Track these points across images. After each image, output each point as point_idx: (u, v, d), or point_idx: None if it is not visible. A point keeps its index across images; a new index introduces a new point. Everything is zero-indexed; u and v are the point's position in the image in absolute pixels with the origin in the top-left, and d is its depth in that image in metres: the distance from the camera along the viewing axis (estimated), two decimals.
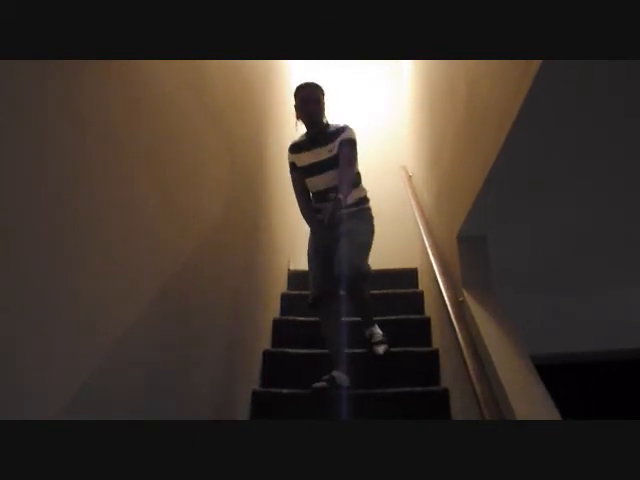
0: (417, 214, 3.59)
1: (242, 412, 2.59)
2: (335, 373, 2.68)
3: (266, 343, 3.17)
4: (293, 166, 2.98)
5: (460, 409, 2.43)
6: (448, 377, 2.72)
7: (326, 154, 2.85)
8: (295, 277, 3.96)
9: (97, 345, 1.22)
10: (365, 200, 2.97)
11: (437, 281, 2.57)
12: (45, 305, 1.03)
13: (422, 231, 3.25)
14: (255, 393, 2.74)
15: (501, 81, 1.60)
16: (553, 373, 2.60)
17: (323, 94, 2.92)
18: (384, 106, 5.67)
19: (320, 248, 2.85)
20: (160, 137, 1.62)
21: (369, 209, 2.98)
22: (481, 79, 1.89)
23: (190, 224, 1.89)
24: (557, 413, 1.62)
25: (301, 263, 4.08)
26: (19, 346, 0.95)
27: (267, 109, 3.52)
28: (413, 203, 3.84)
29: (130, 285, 1.40)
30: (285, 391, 2.73)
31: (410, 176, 4.49)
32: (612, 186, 1.96)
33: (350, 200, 2.82)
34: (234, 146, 2.59)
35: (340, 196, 2.63)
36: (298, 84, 2.94)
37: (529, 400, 1.71)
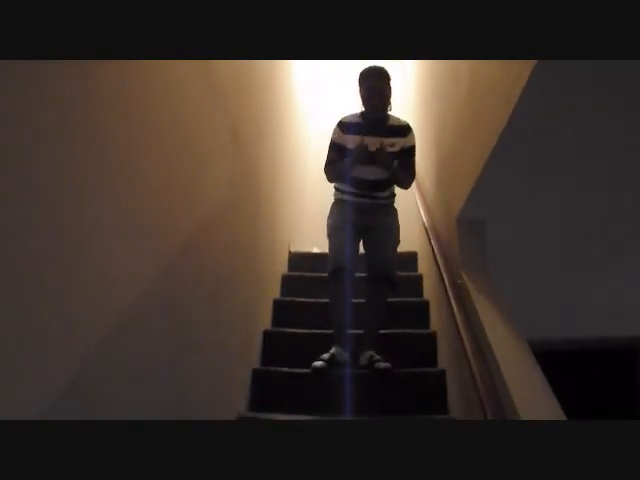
0: (418, 198, 3.62)
1: (242, 391, 2.64)
2: (335, 350, 2.65)
3: (266, 323, 3.21)
4: (338, 147, 2.84)
5: (457, 390, 2.48)
6: (445, 359, 2.77)
7: (389, 147, 2.75)
8: (295, 259, 3.98)
9: (95, 328, 1.23)
10: (395, 196, 2.99)
11: (436, 264, 2.61)
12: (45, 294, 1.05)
13: (422, 215, 3.28)
14: (255, 371, 2.79)
15: (503, 67, 1.62)
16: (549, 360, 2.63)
17: (389, 81, 2.80)
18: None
19: (345, 225, 2.77)
20: (167, 116, 1.64)
21: (394, 202, 2.99)
22: (483, 65, 1.91)
23: (194, 202, 1.92)
24: (552, 395, 1.66)
25: (302, 245, 4.12)
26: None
27: (271, 91, 3.53)
28: (413, 186, 3.86)
29: (134, 262, 1.42)
30: (285, 369, 2.77)
31: None
32: (612, 170, 1.98)
33: (386, 193, 2.87)
34: (238, 127, 2.61)
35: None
36: (363, 70, 2.82)
37: (525, 381, 1.75)
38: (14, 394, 0.93)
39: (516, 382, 1.72)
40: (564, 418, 1.57)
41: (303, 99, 5.06)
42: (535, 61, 1.31)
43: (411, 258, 4.03)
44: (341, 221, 2.79)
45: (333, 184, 2.97)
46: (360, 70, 2.83)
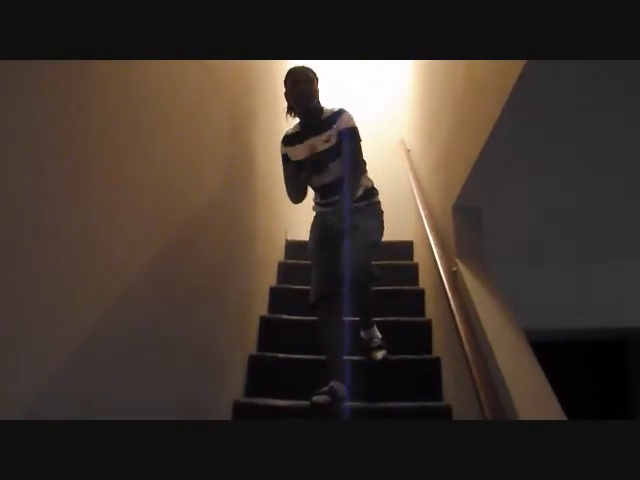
0: (414, 187, 3.63)
1: (239, 376, 2.66)
2: (334, 384, 2.38)
3: (263, 309, 3.23)
4: (286, 158, 2.72)
5: (451, 376, 2.50)
6: (440, 346, 2.79)
7: (322, 145, 2.57)
8: (292, 247, 4.01)
9: (91, 314, 1.25)
10: (374, 192, 2.74)
11: (432, 252, 2.62)
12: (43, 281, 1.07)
13: (419, 204, 3.30)
14: (252, 357, 2.81)
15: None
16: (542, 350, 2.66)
17: (315, 76, 2.64)
18: (386, 82, 5.70)
19: (328, 243, 2.57)
20: (167, 104, 1.65)
21: (378, 203, 2.75)
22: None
23: (191, 189, 1.93)
24: (546, 381, 1.69)
25: (298, 233, 4.12)
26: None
27: (269, 79, 3.53)
28: (410, 177, 3.88)
29: (131, 248, 1.43)
30: (281, 355, 2.80)
31: (408, 150, 4.53)
32: (609, 158, 1.99)
33: (358, 192, 2.63)
34: (236, 116, 2.61)
35: (345, 204, 2.49)
36: (287, 72, 2.65)
37: (519, 368, 1.77)
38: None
39: (510, 369, 1.74)
40: (558, 405, 1.59)
41: None
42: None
43: (407, 247, 4.07)
44: (322, 239, 2.63)
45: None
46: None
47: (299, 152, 2.65)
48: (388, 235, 3.95)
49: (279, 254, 3.92)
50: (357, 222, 2.51)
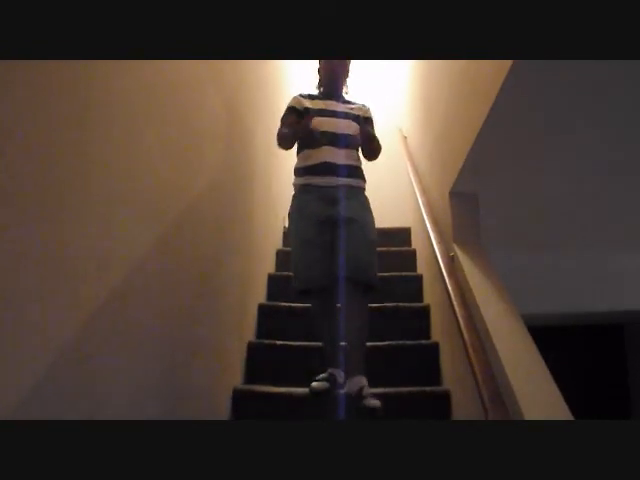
0: (411, 174, 3.63)
1: (238, 363, 2.67)
2: (333, 370, 2.41)
3: (261, 297, 3.24)
4: (296, 110, 2.62)
5: (450, 361, 2.52)
6: (439, 331, 2.80)
7: (344, 109, 2.64)
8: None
9: (90, 303, 1.26)
10: (363, 178, 2.63)
11: (429, 238, 2.63)
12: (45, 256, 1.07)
13: (416, 190, 3.30)
14: (250, 344, 2.82)
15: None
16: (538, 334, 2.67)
17: (349, 62, 2.77)
18: (384, 70, 5.70)
19: (315, 238, 2.41)
20: (163, 90, 1.64)
21: (364, 191, 2.63)
22: None
23: (190, 176, 1.92)
24: (544, 365, 1.70)
25: None
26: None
27: (266, 68, 3.52)
28: (408, 164, 3.88)
29: (129, 237, 1.43)
30: (279, 342, 2.81)
31: (405, 137, 4.53)
32: (600, 146, 2.00)
33: (351, 161, 2.56)
34: (233, 101, 2.61)
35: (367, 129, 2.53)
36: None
37: (517, 351, 1.78)
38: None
39: (508, 353, 1.75)
40: (556, 387, 1.60)
41: (296, 73, 5.05)
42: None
43: (405, 233, 4.08)
44: (306, 231, 2.44)
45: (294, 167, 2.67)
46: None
47: (316, 104, 2.64)
48: (386, 222, 3.99)
49: (277, 242, 3.93)
50: (354, 212, 2.44)
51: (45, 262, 1.03)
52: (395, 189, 4.62)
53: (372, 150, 2.66)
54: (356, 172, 2.59)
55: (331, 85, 2.71)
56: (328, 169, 2.51)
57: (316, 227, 2.43)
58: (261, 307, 3.11)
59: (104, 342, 1.28)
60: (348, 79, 2.77)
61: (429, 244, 2.66)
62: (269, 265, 3.56)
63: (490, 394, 1.63)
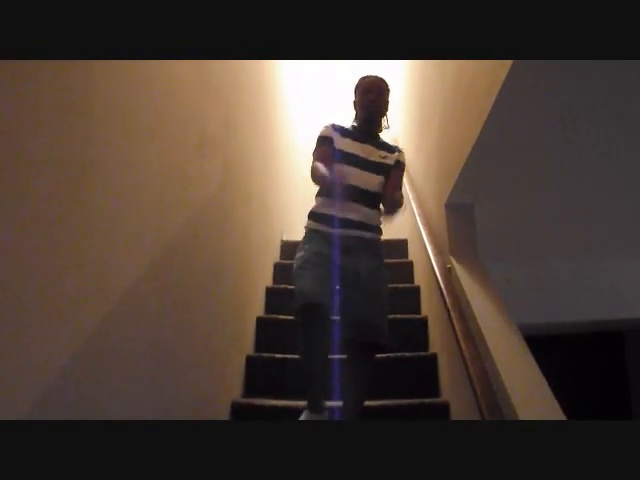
0: (407, 186, 3.65)
1: (237, 376, 2.67)
2: (315, 416, 2.12)
3: (259, 310, 3.25)
4: (328, 141, 2.36)
5: (448, 373, 2.52)
6: (437, 343, 2.81)
7: (377, 157, 2.36)
8: (287, 247, 4.02)
9: (91, 316, 1.27)
10: (381, 232, 2.42)
11: (426, 250, 2.64)
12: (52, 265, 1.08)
13: (412, 202, 3.32)
14: (249, 357, 2.82)
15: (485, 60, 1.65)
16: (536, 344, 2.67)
17: (389, 90, 2.44)
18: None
19: (323, 260, 2.18)
20: (164, 107, 1.66)
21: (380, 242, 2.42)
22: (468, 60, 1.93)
23: (188, 191, 1.94)
24: (542, 376, 1.71)
25: (294, 234, 4.14)
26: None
27: (263, 83, 3.54)
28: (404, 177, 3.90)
29: (129, 252, 1.44)
30: (278, 355, 2.81)
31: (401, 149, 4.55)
32: (599, 155, 2.02)
33: (372, 221, 2.35)
34: (231, 116, 2.63)
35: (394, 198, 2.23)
36: (364, 76, 2.46)
37: (515, 362, 1.79)
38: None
39: (506, 363, 1.76)
40: (553, 398, 1.61)
41: (292, 90, 5.08)
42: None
43: (402, 245, 4.09)
44: (316, 255, 2.20)
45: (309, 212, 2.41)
46: (359, 76, 2.49)
47: (348, 144, 2.37)
48: (383, 234, 4.00)
49: (275, 254, 3.94)
50: (372, 265, 2.23)
51: (45, 282, 1.04)
52: None
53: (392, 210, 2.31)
54: (374, 229, 2.37)
55: (368, 124, 2.43)
56: (346, 224, 2.29)
57: (320, 256, 2.20)
58: (259, 320, 3.11)
59: (103, 358, 1.28)
60: (388, 112, 2.46)
61: (426, 256, 2.68)
62: (267, 278, 3.56)
63: (488, 405, 1.64)
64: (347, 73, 5.71)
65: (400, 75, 4.78)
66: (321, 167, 2.19)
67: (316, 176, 2.25)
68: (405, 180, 3.78)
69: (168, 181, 1.72)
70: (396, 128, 4.95)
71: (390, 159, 2.39)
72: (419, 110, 3.56)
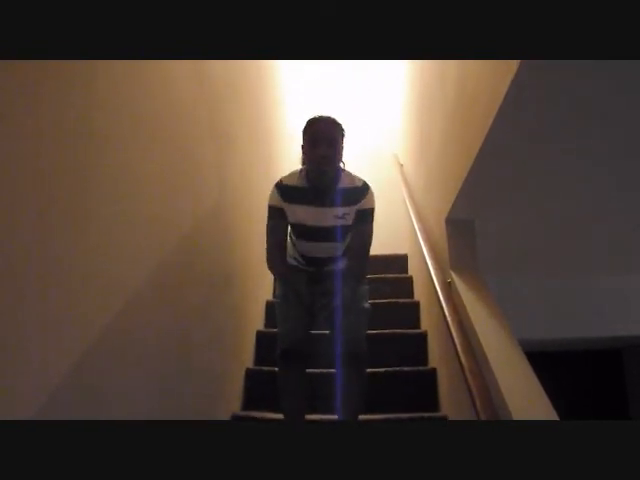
0: (407, 201, 3.67)
1: (237, 390, 2.67)
2: None
3: (259, 324, 3.25)
4: (279, 213, 2.16)
5: (447, 387, 2.52)
6: (436, 357, 2.81)
7: (332, 220, 2.12)
8: None
9: (90, 327, 1.27)
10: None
11: (426, 265, 2.65)
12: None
13: (412, 217, 3.33)
14: (249, 370, 2.82)
15: (489, 69, 1.67)
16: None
17: (342, 132, 2.11)
18: (380, 97, 5.77)
19: (297, 299, 2.15)
20: (165, 119, 1.68)
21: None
22: (470, 67, 1.95)
23: (188, 203, 1.95)
24: (543, 391, 1.71)
25: None
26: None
27: (263, 94, 3.57)
28: (404, 191, 3.93)
29: (129, 264, 1.45)
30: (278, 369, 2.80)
31: (401, 165, 4.58)
32: (598, 169, 2.02)
33: (342, 249, 2.22)
34: (231, 128, 2.65)
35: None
36: (310, 117, 2.14)
37: (515, 378, 1.79)
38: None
39: (506, 379, 1.76)
40: (555, 414, 1.61)
41: (292, 101, 5.12)
42: (518, 61, 1.35)
43: (401, 260, 4.10)
44: (291, 294, 2.17)
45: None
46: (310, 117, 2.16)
47: (299, 214, 2.14)
48: (383, 249, 4.02)
49: None
50: (348, 288, 2.09)
51: (48, 285, 1.05)
52: (391, 216, 4.64)
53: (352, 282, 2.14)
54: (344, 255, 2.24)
55: (320, 182, 2.10)
56: (316, 262, 2.24)
57: (298, 295, 2.16)
58: (259, 334, 3.11)
59: (105, 371, 1.29)
60: (341, 155, 2.12)
61: (426, 270, 2.68)
62: (267, 292, 3.56)
63: (488, 419, 1.64)
64: (347, 73, 5.80)
65: (400, 90, 4.82)
66: (277, 264, 2.22)
67: (274, 272, 2.31)
68: (405, 195, 3.82)
69: (169, 192, 1.73)
70: (397, 142, 5.00)
71: (350, 215, 2.12)
72: (419, 125, 3.59)
